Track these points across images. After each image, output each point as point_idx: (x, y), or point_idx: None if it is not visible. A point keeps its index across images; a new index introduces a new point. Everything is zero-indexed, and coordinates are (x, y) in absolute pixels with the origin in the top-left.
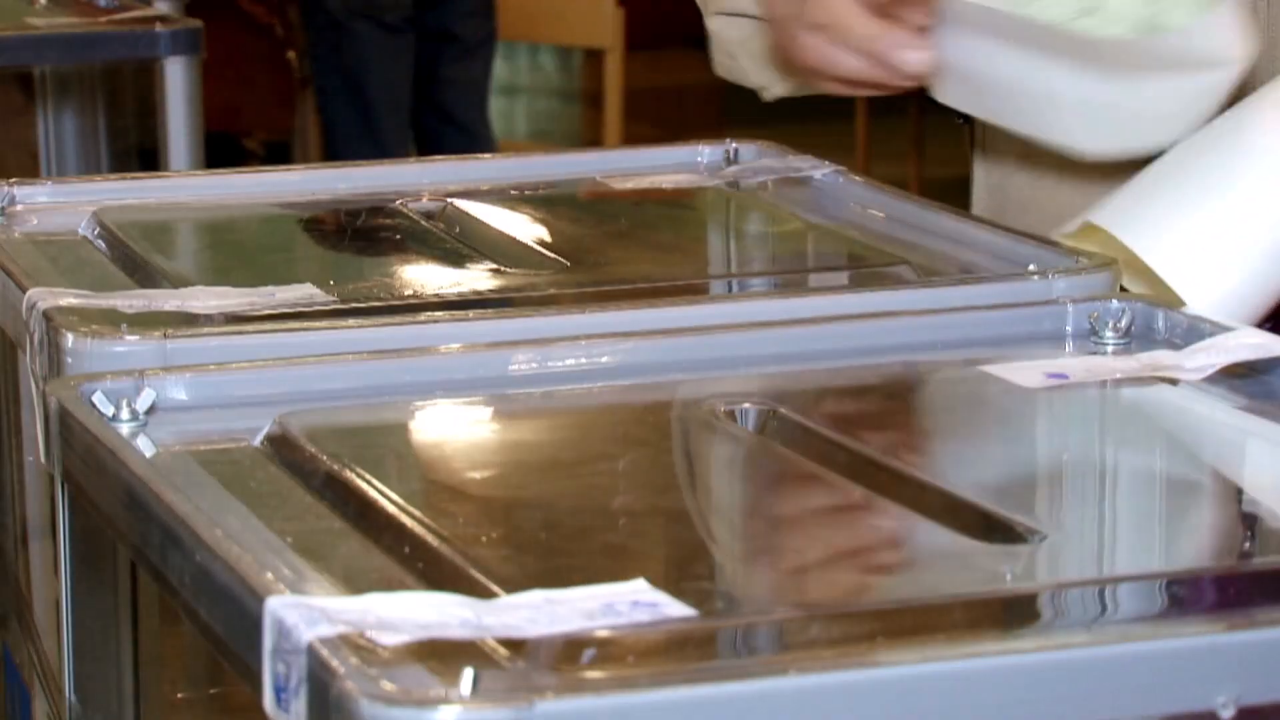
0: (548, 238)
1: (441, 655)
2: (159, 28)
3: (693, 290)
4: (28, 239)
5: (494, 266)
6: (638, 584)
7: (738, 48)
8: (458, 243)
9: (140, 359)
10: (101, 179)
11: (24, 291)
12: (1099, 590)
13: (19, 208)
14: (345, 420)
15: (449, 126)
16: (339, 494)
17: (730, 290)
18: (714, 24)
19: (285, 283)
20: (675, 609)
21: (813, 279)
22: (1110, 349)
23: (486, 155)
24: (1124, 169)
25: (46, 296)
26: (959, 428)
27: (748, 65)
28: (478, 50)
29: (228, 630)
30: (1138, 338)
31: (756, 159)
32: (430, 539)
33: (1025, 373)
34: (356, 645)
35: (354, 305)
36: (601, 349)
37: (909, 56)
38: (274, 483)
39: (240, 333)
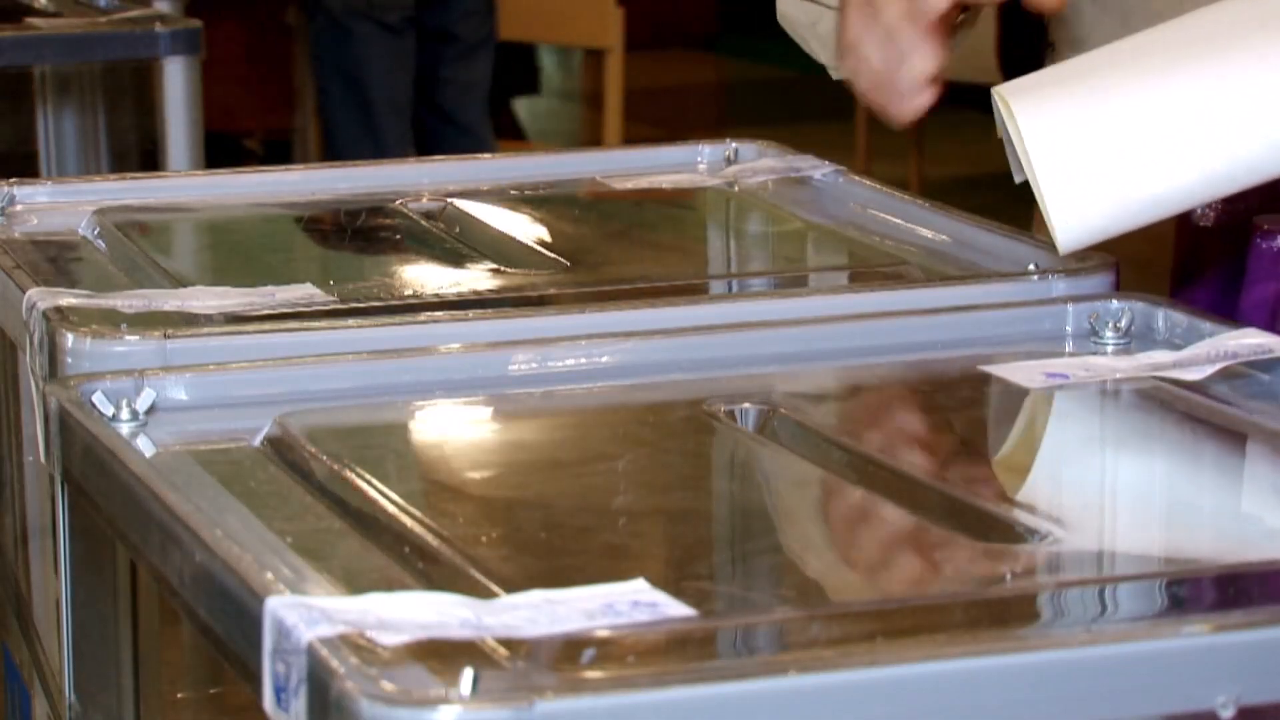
0: (548, 238)
1: (441, 655)
2: (159, 28)
3: (693, 290)
4: (28, 239)
5: (494, 266)
6: (638, 584)
7: (806, 30)
8: (458, 243)
9: (140, 359)
10: (101, 179)
11: (24, 291)
12: (1099, 590)
13: (19, 208)
14: (345, 420)
15: (449, 126)
16: (339, 494)
17: (730, 290)
18: (783, 6)
19: (285, 283)
20: (675, 609)
21: (813, 279)
22: (1110, 349)
23: (486, 155)
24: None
25: (46, 296)
26: (959, 428)
27: (816, 47)
28: (478, 50)
29: (228, 630)
30: (1138, 338)
31: (756, 159)
32: (430, 539)
33: (1025, 373)
34: (356, 645)
35: (354, 305)
36: (601, 349)
37: (908, 92)
38: (274, 483)
39: (240, 333)
